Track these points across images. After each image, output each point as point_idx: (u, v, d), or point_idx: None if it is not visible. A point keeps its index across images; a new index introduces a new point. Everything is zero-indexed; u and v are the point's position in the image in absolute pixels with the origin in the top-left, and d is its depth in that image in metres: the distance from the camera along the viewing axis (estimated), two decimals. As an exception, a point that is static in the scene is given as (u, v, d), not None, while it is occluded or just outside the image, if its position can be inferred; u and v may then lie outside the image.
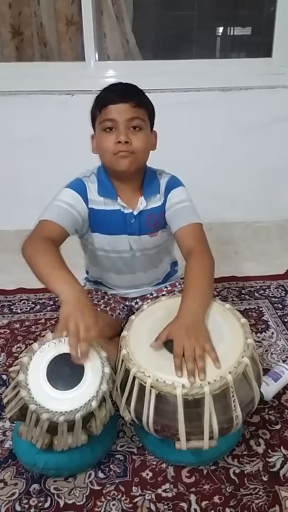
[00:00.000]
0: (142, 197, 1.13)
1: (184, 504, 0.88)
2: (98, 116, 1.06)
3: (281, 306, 1.53)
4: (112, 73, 1.97)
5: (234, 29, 2.70)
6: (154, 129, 1.13)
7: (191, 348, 0.82)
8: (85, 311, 0.87)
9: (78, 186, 1.13)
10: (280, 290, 1.63)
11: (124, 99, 1.02)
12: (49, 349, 0.89)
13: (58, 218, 1.06)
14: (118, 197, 1.12)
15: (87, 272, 1.36)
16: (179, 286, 1.33)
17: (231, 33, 2.71)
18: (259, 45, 2.39)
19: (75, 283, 0.91)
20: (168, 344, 0.87)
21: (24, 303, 1.58)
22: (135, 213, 1.13)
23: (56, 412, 0.81)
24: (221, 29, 2.71)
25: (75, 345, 0.84)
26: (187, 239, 1.08)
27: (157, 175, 1.17)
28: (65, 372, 0.86)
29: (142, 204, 1.13)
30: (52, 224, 1.04)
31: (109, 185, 1.13)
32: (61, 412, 0.81)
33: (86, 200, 1.12)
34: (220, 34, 2.73)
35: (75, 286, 0.90)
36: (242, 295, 1.60)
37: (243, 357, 0.84)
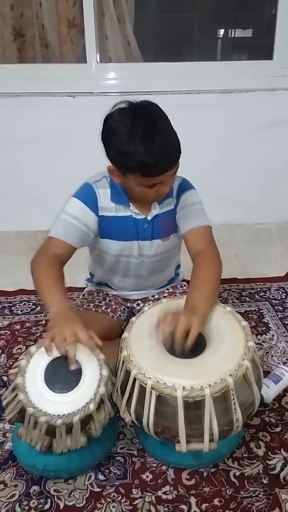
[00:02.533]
0: (156, 202, 1.13)
1: (184, 507, 0.88)
2: (135, 175, 0.96)
3: (281, 308, 1.53)
4: (114, 75, 1.98)
5: (235, 31, 2.71)
6: None
7: (176, 318, 0.85)
8: (70, 320, 0.90)
9: (87, 195, 1.09)
10: (280, 292, 1.62)
11: (170, 167, 0.97)
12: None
13: (64, 235, 1.06)
14: (131, 204, 1.11)
15: (91, 274, 1.36)
16: (181, 288, 1.33)
17: (232, 35, 2.72)
18: (260, 48, 2.39)
19: (64, 300, 0.95)
20: (168, 345, 0.86)
21: (24, 304, 1.58)
22: (149, 218, 1.13)
23: (54, 415, 0.81)
24: (222, 31, 2.71)
25: (63, 351, 0.86)
26: (196, 241, 1.08)
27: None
28: (62, 374, 0.86)
29: (156, 209, 1.13)
30: (58, 241, 1.05)
31: (122, 192, 1.10)
32: (59, 415, 0.81)
33: (95, 209, 1.09)
34: (221, 36, 2.73)
35: (63, 302, 0.94)
36: (243, 297, 1.60)
37: (243, 360, 0.84)
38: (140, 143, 0.92)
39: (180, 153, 0.99)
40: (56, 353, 0.88)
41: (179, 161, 1.01)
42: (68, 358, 0.86)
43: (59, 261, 1.03)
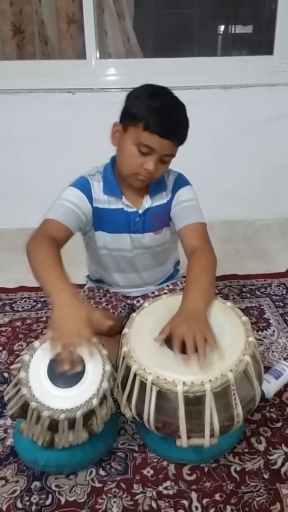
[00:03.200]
0: (148, 195, 1.13)
1: (185, 502, 0.88)
2: (137, 127, 0.98)
3: (282, 304, 1.53)
4: (113, 71, 1.97)
5: (235, 27, 2.70)
6: None
7: (191, 336, 0.82)
8: (76, 313, 0.86)
9: (83, 185, 1.11)
10: (281, 288, 1.62)
11: (173, 137, 0.99)
12: (50, 347, 0.89)
13: (63, 217, 1.05)
14: (123, 196, 1.12)
15: (89, 274, 1.36)
16: (181, 284, 1.33)
17: (233, 31, 2.71)
18: (261, 43, 2.39)
19: (67, 285, 0.89)
20: (169, 341, 0.86)
21: (25, 301, 1.58)
22: (140, 211, 1.13)
23: (57, 409, 0.81)
24: (222, 28, 2.70)
25: (67, 352, 0.83)
26: (191, 238, 1.08)
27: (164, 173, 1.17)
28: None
29: (147, 202, 1.13)
30: (57, 223, 1.04)
31: (115, 183, 1.12)
32: (62, 409, 0.81)
33: (90, 199, 1.11)
34: (221, 33, 2.72)
35: (67, 288, 0.88)
36: (243, 293, 1.60)
37: (244, 355, 0.83)
38: (157, 100, 1.00)
39: (184, 139, 1.03)
40: (59, 348, 0.87)
41: (174, 157, 1.04)
42: (71, 360, 0.84)
43: (56, 244, 1.00)
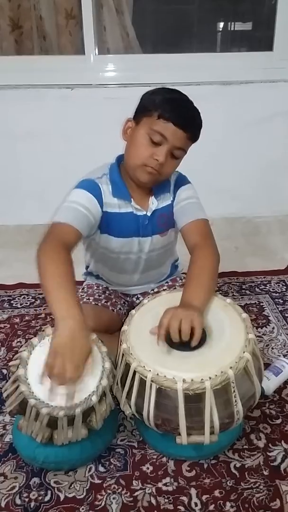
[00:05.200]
0: (153, 197, 1.12)
1: (184, 498, 0.88)
2: (152, 116, 0.99)
3: (281, 301, 1.52)
4: (112, 67, 1.96)
5: (234, 24, 2.68)
6: None
7: (177, 319, 0.83)
8: (77, 347, 0.81)
9: (93, 189, 1.07)
10: (280, 285, 1.62)
11: (186, 127, 0.99)
12: (49, 344, 0.88)
13: (75, 221, 1.00)
14: (132, 199, 1.10)
15: (87, 267, 1.35)
16: (180, 281, 1.32)
17: (232, 28, 2.69)
18: (260, 39, 2.38)
19: (74, 310, 0.83)
20: (169, 338, 0.86)
21: (24, 297, 1.58)
22: (149, 214, 1.12)
23: (56, 406, 0.81)
24: (221, 25, 2.69)
25: (60, 384, 0.81)
26: (193, 234, 1.08)
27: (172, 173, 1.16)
28: None
29: (153, 204, 1.12)
30: (68, 227, 0.99)
31: (123, 186, 1.10)
32: (61, 406, 0.81)
33: (101, 203, 1.07)
34: (220, 29, 2.71)
35: (73, 314, 0.83)
36: (243, 290, 1.60)
37: (244, 352, 0.83)
38: (173, 94, 1.03)
39: (197, 136, 1.05)
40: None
41: (185, 154, 1.04)
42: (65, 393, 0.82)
43: (68, 250, 0.95)
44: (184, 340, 0.84)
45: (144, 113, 1.01)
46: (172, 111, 0.98)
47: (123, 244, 1.15)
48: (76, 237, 1.00)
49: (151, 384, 0.81)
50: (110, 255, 1.18)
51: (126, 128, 1.07)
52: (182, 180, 1.16)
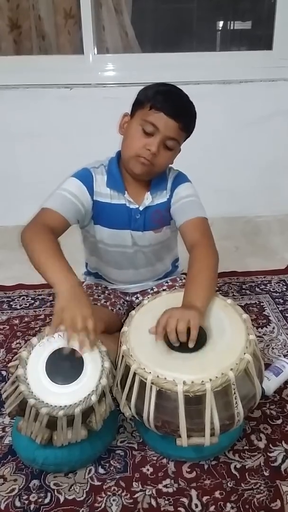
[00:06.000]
0: (149, 192, 1.12)
1: (185, 500, 0.87)
2: (145, 107, 1.01)
3: (282, 301, 1.52)
4: (111, 66, 1.96)
5: (234, 23, 2.68)
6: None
7: (174, 318, 0.83)
8: (81, 302, 0.87)
9: (85, 177, 1.10)
10: (281, 285, 1.62)
11: (178, 117, 1.00)
12: (48, 344, 0.88)
13: (61, 207, 1.04)
14: (126, 192, 1.11)
15: (86, 264, 1.35)
16: (180, 281, 1.32)
17: (231, 27, 2.69)
18: (260, 38, 2.37)
19: (71, 275, 0.90)
20: (168, 341, 0.86)
21: (23, 299, 1.57)
22: (141, 208, 1.12)
23: (56, 406, 0.80)
24: (221, 24, 2.68)
25: (74, 336, 0.84)
26: (192, 233, 1.07)
27: (166, 171, 1.16)
28: (64, 366, 0.85)
29: (148, 199, 1.12)
30: (54, 213, 1.03)
31: (119, 178, 1.11)
32: (61, 406, 0.80)
33: (91, 192, 1.10)
34: (220, 28, 2.70)
35: (71, 278, 0.89)
36: (243, 290, 1.59)
37: (245, 353, 0.83)
38: (165, 86, 1.04)
39: (190, 127, 1.05)
40: (57, 344, 0.87)
41: (180, 145, 1.05)
42: (78, 345, 0.85)
43: (52, 232, 0.99)
44: (182, 341, 0.83)
45: (137, 106, 1.04)
46: (164, 101, 0.99)
47: (115, 235, 1.15)
48: (61, 223, 1.03)
49: (151, 386, 0.80)
50: (105, 247, 1.18)
51: (122, 123, 1.09)
52: (181, 179, 1.16)
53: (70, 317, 0.85)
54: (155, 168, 1.06)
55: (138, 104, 1.04)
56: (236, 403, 0.81)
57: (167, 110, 0.99)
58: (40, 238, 0.96)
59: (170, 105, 1.00)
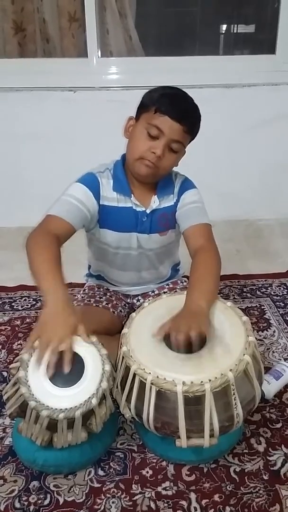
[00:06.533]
0: (156, 196, 1.13)
1: (184, 502, 0.87)
2: (150, 111, 1.02)
3: (283, 305, 1.52)
4: (115, 70, 1.97)
5: (237, 27, 2.69)
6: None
7: (186, 326, 0.82)
8: (61, 321, 0.86)
9: (91, 182, 1.10)
10: (282, 289, 1.62)
11: (183, 120, 1.00)
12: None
13: (67, 214, 1.04)
14: (132, 195, 1.12)
15: (89, 266, 1.35)
16: (181, 284, 1.32)
17: (235, 31, 2.70)
18: (263, 42, 2.38)
19: (61, 288, 0.90)
20: (168, 341, 0.86)
21: (25, 300, 1.58)
22: (148, 211, 1.13)
23: (56, 409, 0.80)
24: (224, 27, 2.69)
25: (42, 356, 0.84)
26: (195, 238, 1.08)
27: (173, 175, 1.17)
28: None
29: (155, 203, 1.13)
30: (59, 219, 1.03)
31: (125, 181, 1.12)
32: (61, 409, 0.80)
33: (98, 196, 1.10)
34: (223, 32, 2.71)
35: (60, 290, 0.89)
36: (244, 293, 1.59)
37: (244, 354, 0.83)
38: (170, 89, 1.05)
39: (195, 129, 1.06)
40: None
41: (185, 147, 1.06)
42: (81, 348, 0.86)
43: (58, 241, 0.99)
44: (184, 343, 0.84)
45: (143, 109, 1.05)
46: (169, 105, 1.00)
47: (121, 238, 1.15)
48: (67, 230, 1.03)
49: (151, 387, 0.81)
50: (110, 249, 1.19)
51: (128, 126, 1.10)
52: (188, 184, 1.17)
53: (46, 338, 0.84)
54: (160, 171, 1.07)
55: (143, 107, 1.05)
56: (235, 404, 0.81)
57: (172, 114, 1.00)
58: (42, 246, 0.96)
59: (175, 109, 1.00)
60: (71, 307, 0.90)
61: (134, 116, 1.08)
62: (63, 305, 0.88)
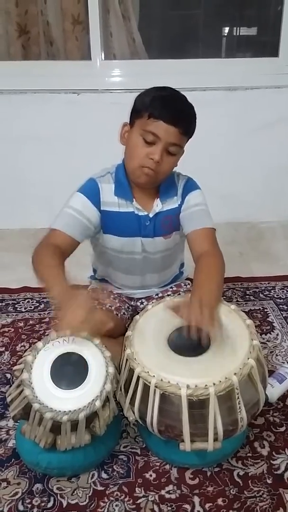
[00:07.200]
0: (158, 199, 1.13)
1: (187, 506, 0.87)
2: (143, 117, 1.01)
3: (286, 307, 1.52)
4: (118, 72, 1.97)
5: (240, 30, 2.69)
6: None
7: (197, 311, 0.83)
8: (74, 298, 0.89)
9: (90, 189, 1.10)
10: (285, 291, 1.61)
11: (178, 123, 0.99)
12: (53, 348, 0.89)
13: (67, 227, 1.05)
14: (134, 199, 1.11)
15: (94, 270, 1.35)
16: (185, 286, 1.32)
17: (237, 34, 2.70)
18: (266, 45, 2.38)
19: (66, 283, 0.92)
20: (173, 345, 0.86)
21: (28, 301, 1.58)
22: (151, 215, 1.12)
23: (60, 411, 0.81)
24: (227, 30, 2.70)
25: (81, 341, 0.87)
26: (200, 242, 1.08)
27: (175, 177, 1.16)
28: (69, 371, 0.86)
29: (158, 206, 1.12)
30: (61, 234, 1.04)
31: (127, 186, 1.11)
32: (65, 411, 0.81)
33: (98, 203, 1.10)
34: (226, 35, 2.72)
35: (65, 284, 0.92)
36: (247, 296, 1.59)
37: (248, 358, 0.83)
38: (162, 91, 1.03)
39: (191, 129, 1.04)
40: (62, 349, 0.88)
41: (182, 149, 1.04)
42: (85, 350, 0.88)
43: (61, 253, 1.01)
44: (188, 346, 0.83)
45: (136, 115, 1.03)
46: (162, 108, 0.99)
47: (125, 243, 1.15)
48: (69, 244, 1.05)
49: (155, 390, 0.81)
50: (114, 254, 1.19)
51: (123, 133, 1.09)
52: (191, 185, 1.16)
53: (62, 315, 0.86)
54: (160, 175, 1.06)
55: (136, 113, 1.04)
56: (239, 408, 0.81)
57: (166, 117, 0.98)
58: (47, 260, 0.99)
59: (168, 112, 0.99)
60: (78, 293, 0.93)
61: (128, 122, 1.08)
62: (72, 292, 0.91)
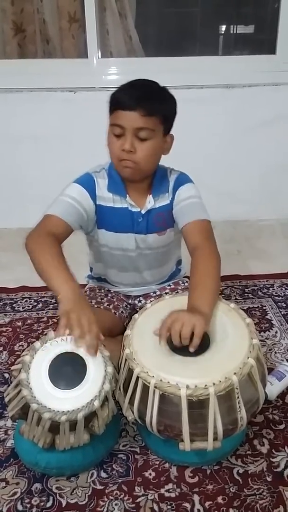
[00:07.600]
0: (151, 196, 1.12)
1: (187, 504, 0.87)
2: (111, 113, 1.02)
3: (284, 305, 1.52)
4: (115, 70, 1.97)
5: (237, 28, 2.69)
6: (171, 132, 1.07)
7: (180, 322, 0.83)
8: (85, 307, 0.89)
9: (87, 182, 1.11)
10: (283, 289, 1.61)
11: (133, 106, 0.97)
12: (51, 348, 0.88)
13: (64, 213, 1.05)
14: (127, 195, 1.11)
15: (91, 269, 1.35)
16: (183, 284, 1.32)
17: (234, 31, 2.70)
18: (263, 42, 2.38)
19: (74, 283, 0.92)
20: (172, 344, 0.86)
21: (26, 301, 1.57)
22: (143, 212, 1.12)
23: (58, 411, 0.80)
24: (224, 28, 2.69)
25: (82, 336, 0.85)
26: (193, 235, 1.06)
27: (167, 173, 1.16)
28: (67, 371, 0.85)
29: (150, 203, 1.12)
30: (57, 219, 1.04)
31: (120, 182, 1.11)
32: (63, 411, 0.80)
33: (94, 196, 1.10)
34: (223, 32, 2.71)
35: (73, 286, 0.91)
36: (246, 294, 1.59)
37: (248, 358, 0.83)
38: (127, 83, 1.03)
39: (154, 108, 0.99)
40: (60, 349, 0.87)
41: (154, 131, 1.01)
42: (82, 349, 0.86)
43: (57, 240, 1.00)
44: (185, 345, 0.83)
45: (109, 111, 1.04)
46: (118, 98, 1.00)
47: (118, 239, 1.15)
48: (64, 229, 1.04)
49: (154, 390, 0.80)
50: (109, 251, 1.19)
51: (107, 135, 1.08)
52: (182, 180, 1.15)
53: (77, 318, 0.86)
54: (142, 165, 1.04)
55: (109, 107, 1.04)
56: (239, 407, 0.81)
57: (123, 105, 0.98)
58: (43, 246, 0.97)
59: (123, 99, 0.99)
60: (86, 300, 0.94)
61: None
62: (80, 297, 0.91)
